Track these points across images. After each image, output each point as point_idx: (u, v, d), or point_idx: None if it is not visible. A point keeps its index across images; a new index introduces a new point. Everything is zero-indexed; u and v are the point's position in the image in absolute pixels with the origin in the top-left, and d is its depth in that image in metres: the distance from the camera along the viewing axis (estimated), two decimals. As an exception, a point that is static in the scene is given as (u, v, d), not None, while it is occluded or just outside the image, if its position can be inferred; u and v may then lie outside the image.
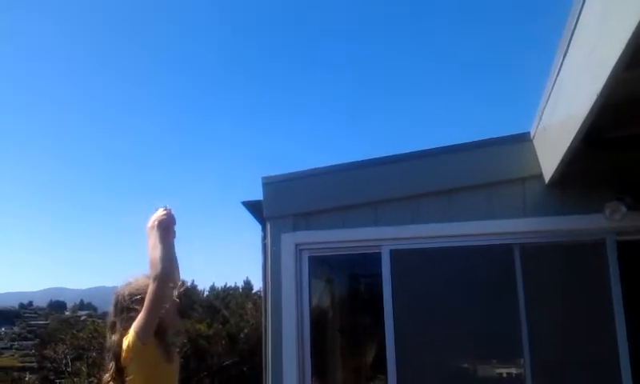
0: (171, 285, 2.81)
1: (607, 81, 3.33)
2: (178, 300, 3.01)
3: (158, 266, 2.68)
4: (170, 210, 2.98)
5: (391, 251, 5.82)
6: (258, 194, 6.16)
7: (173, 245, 2.96)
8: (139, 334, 2.67)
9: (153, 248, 2.76)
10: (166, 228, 2.89)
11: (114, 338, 2.80)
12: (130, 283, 2.93)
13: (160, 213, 2.90)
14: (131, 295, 2.84)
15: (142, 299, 2.72)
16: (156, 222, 2.84)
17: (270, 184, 6.08)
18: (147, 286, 2.71)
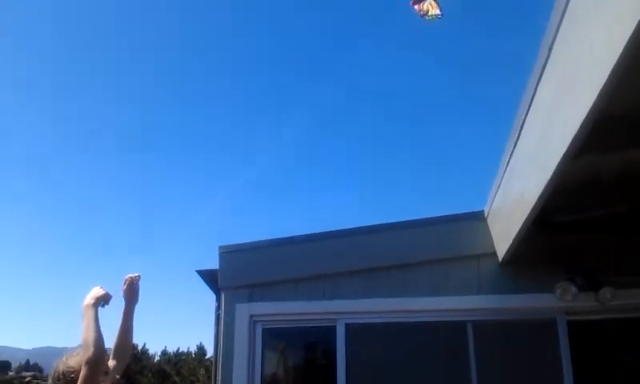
0: (104, 367, 2.76)
1: (557, 168, 3.46)
2: (118, 377, 2.95)
3: (90, 349, 2.63)
4: (135, 276, 3.10)
5: (346, 325, 5.79)
6: (211, 261, 6.11)
7: (133, 314, 3.09)
8: None
9: (86, 329, 2.71)
10: (131, 298, 3.05)
11: None
12: (65, 360, 2.86)
13: (95, 291, 2.88)
14: (65, 377, 2.77)
15: (74, 381, 2.67)
16: (92, 301, 2.80)
17: (226, 253, 6.01)
18: (80, 365, 2.67)
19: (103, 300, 2.89)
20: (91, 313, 2.77)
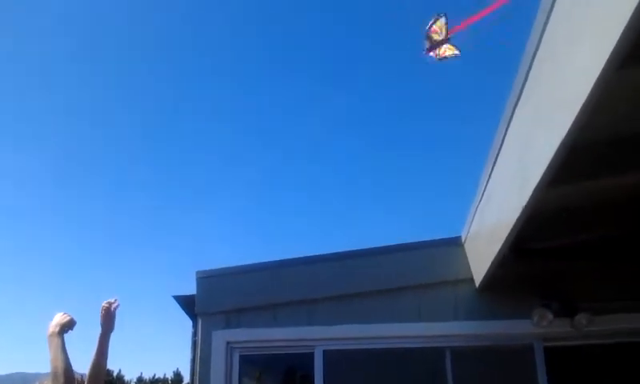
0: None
1: (532, 195, 3.50)
2: None
3: (60, 379, 2.59)
4: (113, 302, 2.98)
5: (324, 352, 5.74)
6: (189, 287, 6.05)
7: (108, 341, 2.95)
8: None
9: (54, 358, 2.67)
10: (107, 325, 2.88)
11: None
12: None
13: (59, 318, 2.82)
14: None
15: None
16: (57, 328, 2.75)
17: (204, 279, 5.96)
18: None
19: (68, 326, 2.84)
20: (57, 341, 2.72)
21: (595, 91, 2.49)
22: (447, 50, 4.46)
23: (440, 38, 4.34)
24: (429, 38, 4.41)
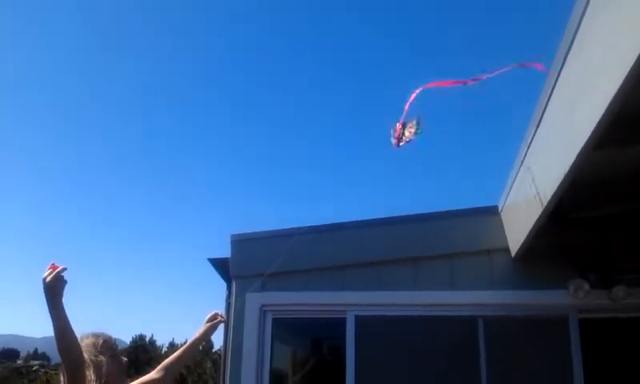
0: (75, 355, 2.51)
1: (576, 160, 3.42)
2: (124, 359, 2.92)
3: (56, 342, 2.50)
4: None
5: (356, 317, 5.77)
6: (222, 251, 6.11)
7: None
8: None
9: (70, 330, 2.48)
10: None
11: None
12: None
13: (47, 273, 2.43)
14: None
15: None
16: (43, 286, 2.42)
17: (238, 242, 6.02)
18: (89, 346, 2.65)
19: (52, 285, 2.42)
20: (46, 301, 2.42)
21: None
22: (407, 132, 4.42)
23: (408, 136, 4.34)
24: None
